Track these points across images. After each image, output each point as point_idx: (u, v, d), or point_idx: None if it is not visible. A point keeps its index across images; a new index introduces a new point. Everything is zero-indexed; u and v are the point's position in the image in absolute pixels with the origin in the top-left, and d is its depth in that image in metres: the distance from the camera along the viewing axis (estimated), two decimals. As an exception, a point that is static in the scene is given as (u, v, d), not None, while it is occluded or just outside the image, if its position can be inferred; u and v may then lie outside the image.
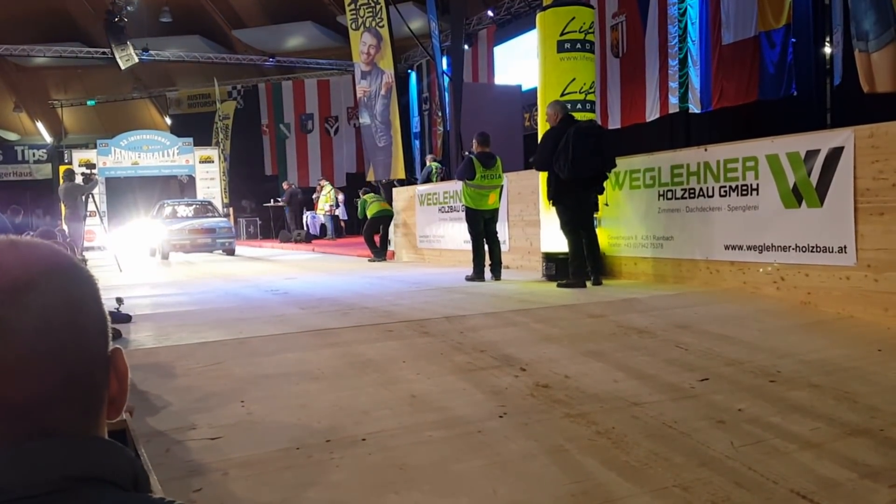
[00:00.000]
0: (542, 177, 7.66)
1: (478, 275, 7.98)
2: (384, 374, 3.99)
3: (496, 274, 8.04)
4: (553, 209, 7.12)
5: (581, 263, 6.89)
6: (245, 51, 25.64)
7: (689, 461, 2.79)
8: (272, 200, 22.82)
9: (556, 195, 6.82)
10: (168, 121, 29.07)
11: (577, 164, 6.54)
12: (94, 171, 12.84)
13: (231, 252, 15.29)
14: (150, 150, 21.55)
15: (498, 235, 8.30)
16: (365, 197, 12.63)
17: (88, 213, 12.44)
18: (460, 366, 4.10)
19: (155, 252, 15.44)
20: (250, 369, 4.10)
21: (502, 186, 8.26)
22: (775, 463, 2.75)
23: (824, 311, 5.37)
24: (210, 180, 22.06)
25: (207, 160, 22.11)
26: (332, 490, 2.63)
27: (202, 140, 23.50)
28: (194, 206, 17.10)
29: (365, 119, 18.18)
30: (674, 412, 3.33)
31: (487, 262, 8.13)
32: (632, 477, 2.67)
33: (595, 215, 7.21)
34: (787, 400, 3.48)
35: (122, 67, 21.21)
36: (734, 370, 4.01)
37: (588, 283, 6.92)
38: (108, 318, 0.76)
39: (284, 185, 21.89)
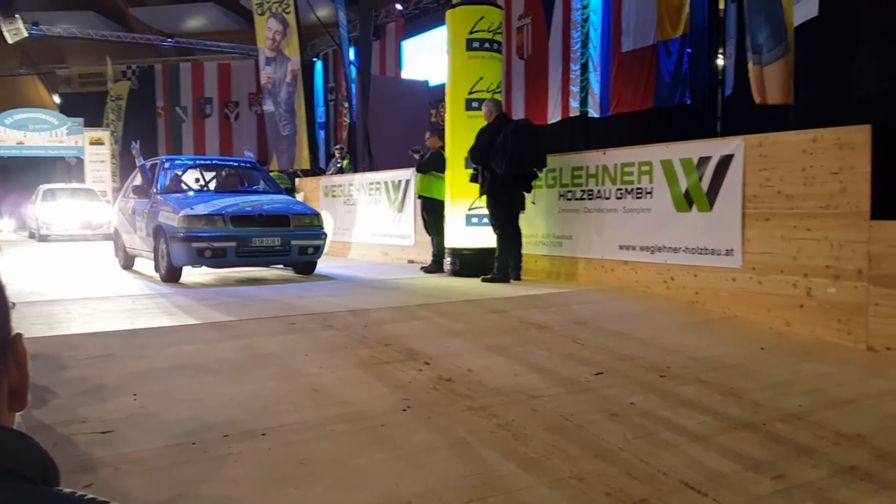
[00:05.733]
0: (454, 173, 7.69)
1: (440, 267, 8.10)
2: (286, 368, 3.92)
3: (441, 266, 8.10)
4: (449, 205, 7.20)
5: (507, 259, 7.02)
6: (142, 30, 24.59)
7: (585, 453, 2.89)
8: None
9: (491, 190, 6.93)
10: (57, 99, 27.65)
11: (514, 160, 6.70)
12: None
13: (311, 269, 8.22)
14: (37, 130, 20.44)
15: None
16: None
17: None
18: (364, 359, 4.09)
19: (131, 258, 8.88)
20: (143, 362, 3.95)
21: None
22: (665, 455, 2.88)
23: (711, 311, 5.67)
24: (100, 163, 21.18)
25: (98, 142, 21.17)
26: (230, 485, 2.58)
27: (93, 121, 22.44)
28: (226, 170, 9.10)
29: (269, 106, 17.78)
30: (570, 405, 3.44)
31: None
32: (530, 468, 2.74)
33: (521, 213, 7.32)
34: (676, 394, 3.65)
35: (10, 41, 20.09)
36: (627, 365, 4.18)
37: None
38: (11, 303, 0.72)
39: None
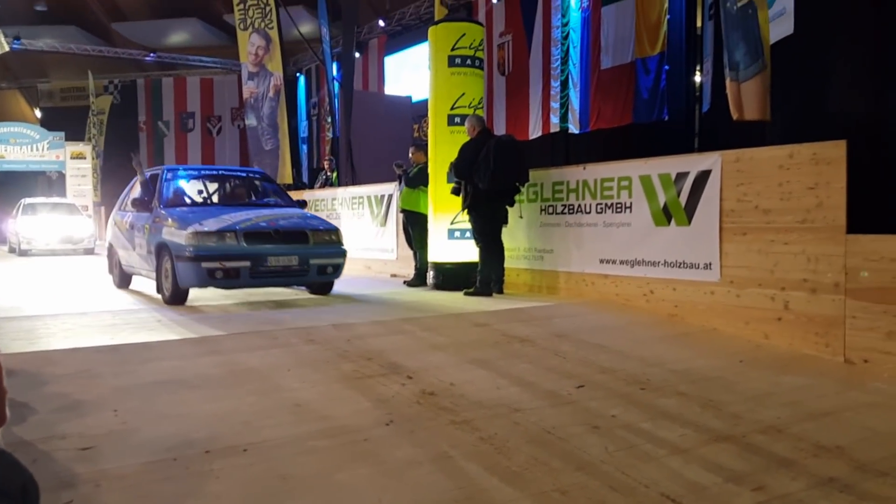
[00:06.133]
0: (437, 187, 7.71)
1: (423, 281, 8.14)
2: (267, 383, 3.91)
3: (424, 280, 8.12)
4: (432, 219, 7.23)
5: (490, 273, 7.05)
6: (124, 44, 24.51)
7: (567, 466, 2.91)
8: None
9: (473, 204, 6.97)
10: (38, 113, 27.46)
11: (496, 175, 6.74)
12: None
13: (328, 289, 7.54)
14: (18, 144, 20.33)
15: None
16: None
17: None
18: (347, 374, 4.09)
19: (127, 276, 8.15)
20: (124, 378, 3.92)
21: None
22: (646, 467, 2.90)
23: (690, 324, 5.72)
24: (81, 177, 21.09)
25: (79, 156, 21.07)
26: (212, 501, 2.56)
27: (74, 135, 22.31)
28: (234, 181, 8.31)
29: (251, 121, 17.79)
30: (552, 418, 3.46)
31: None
32: (513, 482, 2.75)
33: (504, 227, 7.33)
34: (656, 407, 3.68)
35: (-8, 55, 19.95)
36: (608, 378, 4.20)
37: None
38: None
39: None
